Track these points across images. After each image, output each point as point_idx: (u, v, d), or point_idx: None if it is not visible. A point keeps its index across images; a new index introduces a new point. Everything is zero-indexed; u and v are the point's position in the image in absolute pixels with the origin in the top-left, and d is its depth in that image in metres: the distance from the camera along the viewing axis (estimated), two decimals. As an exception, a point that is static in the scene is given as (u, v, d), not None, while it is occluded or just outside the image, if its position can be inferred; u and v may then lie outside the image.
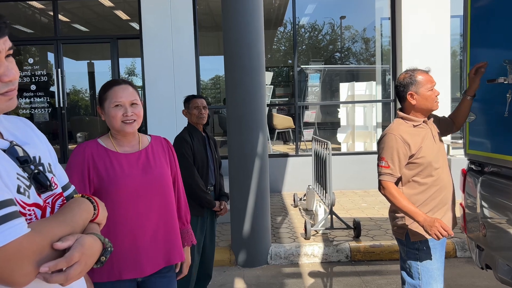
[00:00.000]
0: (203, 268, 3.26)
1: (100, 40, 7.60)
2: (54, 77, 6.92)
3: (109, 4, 7.63)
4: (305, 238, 4.57)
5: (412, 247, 2.23)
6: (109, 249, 1.01)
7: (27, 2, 7.38)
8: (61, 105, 6.93)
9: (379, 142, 2.29)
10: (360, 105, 7.71)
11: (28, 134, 1.07)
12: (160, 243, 1.78)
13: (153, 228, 1.75)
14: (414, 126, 2.25)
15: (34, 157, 1.01)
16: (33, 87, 7.06)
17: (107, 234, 1.48)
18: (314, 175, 5.89)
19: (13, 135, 1.01)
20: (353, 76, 8.88)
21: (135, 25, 7.24)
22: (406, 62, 6.73)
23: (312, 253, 4.29)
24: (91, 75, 9.44)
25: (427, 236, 2.15)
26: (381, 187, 2.22)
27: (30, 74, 7.04)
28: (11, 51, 0.95)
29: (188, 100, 3.21)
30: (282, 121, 8.87)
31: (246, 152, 4.10)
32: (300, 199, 6.26)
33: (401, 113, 2.32)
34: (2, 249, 0.78)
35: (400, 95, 2.30)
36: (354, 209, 5.85)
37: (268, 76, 8.26)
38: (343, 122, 7.94)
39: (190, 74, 6.77)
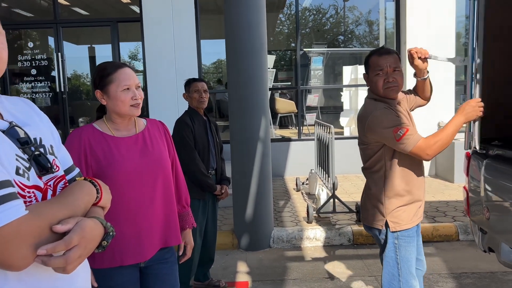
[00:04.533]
0: (205, 252, 3.28)
1: (100, 23, 7.50)
2: (55, 61, 6.87)
3: (109, -14, 7.52)
4: (307, 222, 4.58)
5: (391, 237, 2.14)
6: (111, 233, 1.00)
7: (26, -15, 7.28)
8: (62, 90, 6.90)
9: (372, 129, 2.06)
10: (363, 88, 7.63)
11: (29, 115, 1.05)
12: (159, 225, 1.77)
13: (153, 211, 1.74)
14: (386, 108, 2.08)
15: (35, 139, 0.99)
16: (33, 71, 7.02)
17: (107, 219, 1.47)
18: (317, 159, 5.88)
19: (14, 116, 0.99)
20: (357, 59, 8.78)
21: (136, 8, 7.14)
22: (410, 45, 6.63)
23: (314, 237, 4.31)
24: (92, 60, 9.36)
25: (406, 225, 2.13)
26: (424, 154, 1.98)
27: (30, 58, 6.99)
28: None
29: (189, 83, 3.17)
30: (285, 105, 8.82)
31: (248, 136, 4.08)
32: (303, 183, 6.26)
33: (370, 93, 2.18)
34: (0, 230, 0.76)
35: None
36: (356, 193, 5.86)
37: (270, 59, 8.17)
38: (346, 106, 7.88)
39: (192, 58, 6.70)
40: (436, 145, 1.99)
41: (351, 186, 6.31)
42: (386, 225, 2.13)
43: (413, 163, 2.12)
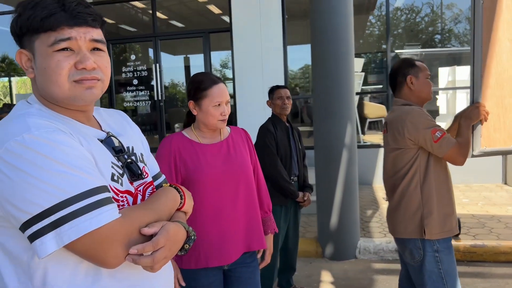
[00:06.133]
0: (286, 260, 3.27)
1: (193, 35, 7.97)
2: (153, 71, 7.46)
3: (202, -1, 7.97)
4: (396, 233, 4.33)
5: (430, 249, 2.00)
6: (192, 237, 1.05)
7: (130, 2, 8.02)
8: (160, 98, 7.45)
9: (412, 129, 1.99)
10: (462, 91, 7.03)
11: (123, 126, 1.16)
12: (243, 230, 1.82)
13: (237, 215, 1.80)
14: (422, 110, 2.08)
15: (128, 147, 1.09)
16: (135, 81, 7.70)
17: (194, 223, 1.55)
18: (408, 167, 5.54)
19: (110, 127, 1.11)
20: (455, 60, 8.12)
21: (226, 19, 7.46)
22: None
23: (404, 250, 4.06)
24: (187, 69, 9.98)
25: (445, 233, 2.03)
26: (459, 158, 1.96)
27: (132, 69, 7.68)
28: (97, 44, 0.97)
29: (272, 90, 3.22)
30: (374, 110, 8.47)
31: (332, 142, 4.00)
32: (392, 192, 5.94)
33: (401, 100, 2.13)
34: (96, 231, 0.84)
35: (397, 80, 2.14)
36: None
37: (359, 62, 7.92)
38: (442, 110, 7.33)
39: (278, 64, 6.79)
40: (467, 150, 1.97)
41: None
42: (424, 234, 2.01)
43: (445, 169, 2.07)
